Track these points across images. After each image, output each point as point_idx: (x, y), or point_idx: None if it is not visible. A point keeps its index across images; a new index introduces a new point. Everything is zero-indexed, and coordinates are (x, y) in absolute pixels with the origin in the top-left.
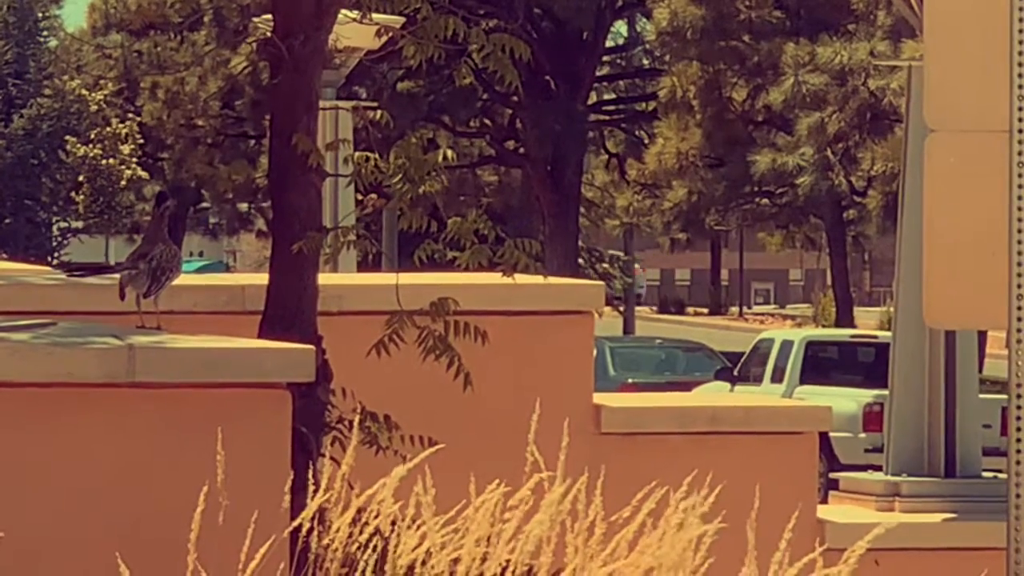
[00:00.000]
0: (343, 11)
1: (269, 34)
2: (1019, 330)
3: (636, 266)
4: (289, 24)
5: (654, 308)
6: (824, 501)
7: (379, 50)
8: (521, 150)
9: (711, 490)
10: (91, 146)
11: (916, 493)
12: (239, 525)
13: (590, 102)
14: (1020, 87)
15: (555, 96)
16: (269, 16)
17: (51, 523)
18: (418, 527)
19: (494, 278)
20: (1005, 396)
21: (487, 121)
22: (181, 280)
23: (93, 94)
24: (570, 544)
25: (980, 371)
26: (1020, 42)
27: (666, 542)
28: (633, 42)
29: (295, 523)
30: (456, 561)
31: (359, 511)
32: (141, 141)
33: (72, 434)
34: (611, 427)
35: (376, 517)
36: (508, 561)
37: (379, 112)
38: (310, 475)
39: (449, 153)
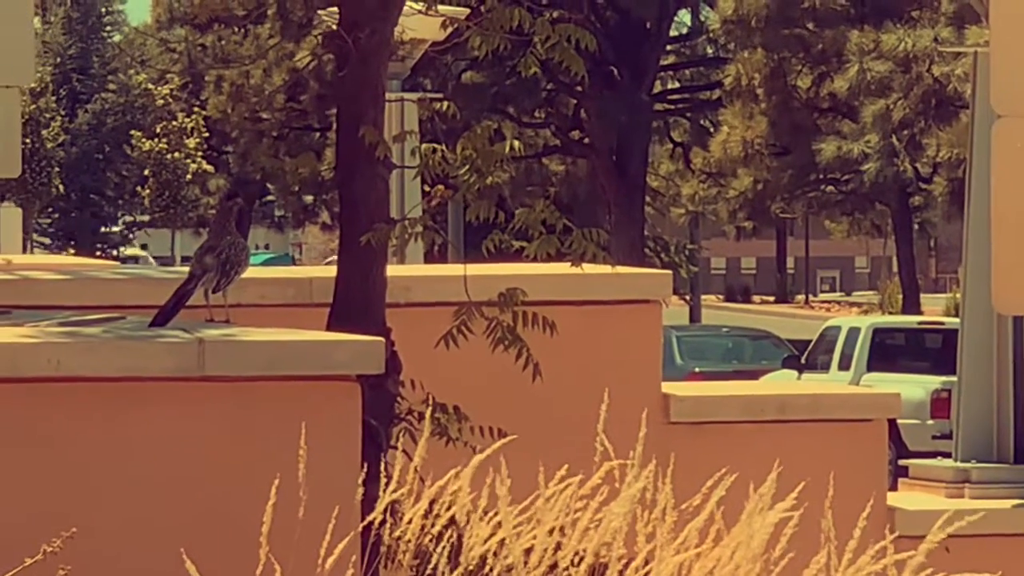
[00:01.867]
0: (408, 3)
1: (335, 26)
2: None
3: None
4: (355, 16)
5: (720, 296)
6: (893, 488)
7: (444, 41)
8: (586, 140)
9: (781, 478)
10: (156, 140)
11: (986, 479)
12: (310, 518)
13: (655, 91)
14: None
15: (619, 86)
16: (334, 9)
17: (123, 518)
18: (490, 518)
19: (562, 268)
20: None
21: (552, 111)
22: (248, 273)
23: (158, 88)
24: (640, 533)
25: None
26: None
27: (743, 530)
28: (697, 31)
29: (370, 517)
30: (529, 551)
31: (431, 502)
32: (206, 135)
33: (143, 428)
34: (679, 416)
35: (448, 508)
36: (582, 550)
37: (445, 103)
38: (381, 467)
39: (516, 144)
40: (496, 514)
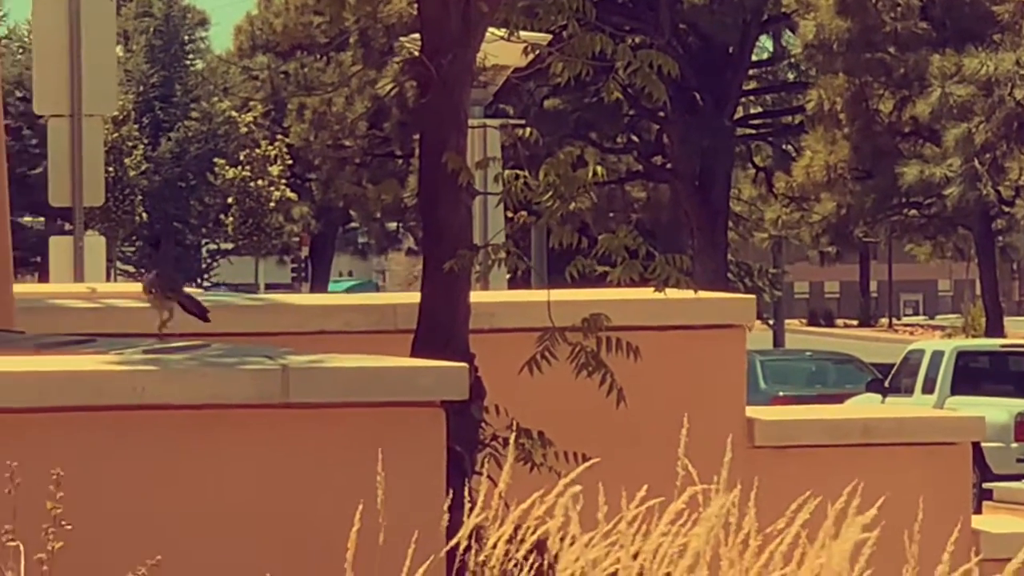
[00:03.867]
0: (490, 29)
1: (416, 53)
2: None
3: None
4: (437, 43)
5: (804, 321)
6: (978, 511)
7: (526, 67)
8: (668, 165)
9: (865, 502)
10: (240, 168)
11: None
12: (394, 544)
13: (736, 116)
14: None
15: (702, 111)
16: (416, 35)
17: (208, 545)
18: (573, 542)
19: (645, 293)
20: None
21: (634, 137)
22: (333, 300)
23: (241, 116)
24: (724, 557)
25: None
26: None
27: (824, 552)
28: (779, 56)
29: (453, 541)
30: None
31: (515, 527)
32: (289, 162)
33: (227, 455)
34: (764, 440)
35: (533, 533)
36: (666, 575)
37: (528, 129)
38: (465, 493)
39: (599, 170)
40: (581, 539)
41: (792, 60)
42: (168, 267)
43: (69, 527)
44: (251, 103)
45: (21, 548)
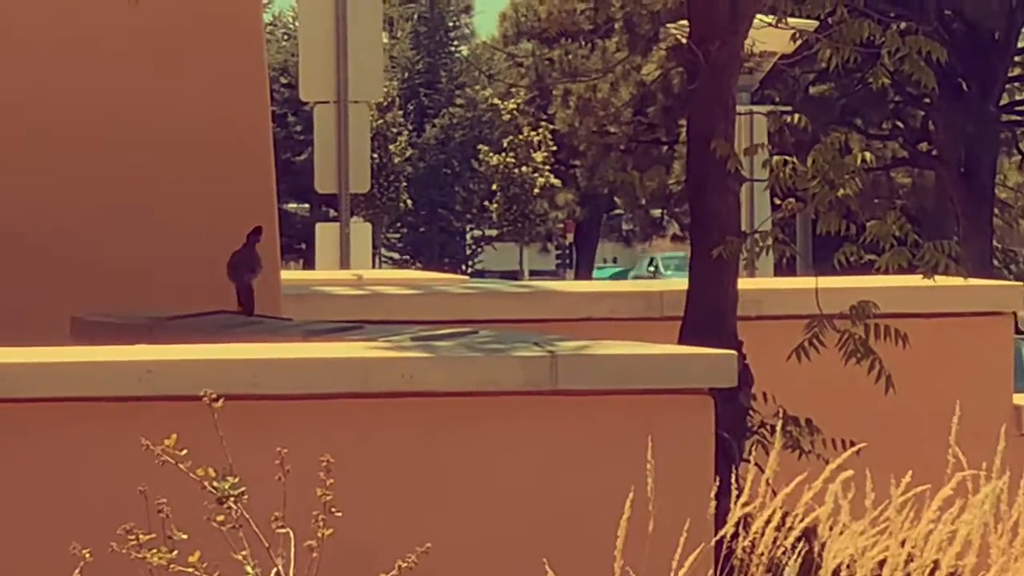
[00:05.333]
0: (758, 16)
1: (683, 40)
2: None
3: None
4: (705, 29)
5: None
6: None
7: (793, 54)
8: (934, 152)
9: None
10: (504, 154)
11: None
12: (663, 531)
13: (1002, 103)
14: None
15: (967, 97)
16: (683, 22)
17: (477, 532)
18: (842, 530)
19: (912, 280)
20: None
21: (899, 123)
22: (598, 287)
23: (505, 103)
24: (994, 546)
25: None
26: None
27: None
28: None
29: (724, 531)
30: (882, 564)
31: (783, 515)
32: (554, 148)
33: (494, 443)
34: None
35: (801, 520)
36: (935, 562)
37: (796, 116)
38: (733, 480)
39: (868, 156)
40: (851, 527)
41: None
42: (248, 253)
43: (339, 514)
44: (515, 89)
45: (291, 535)
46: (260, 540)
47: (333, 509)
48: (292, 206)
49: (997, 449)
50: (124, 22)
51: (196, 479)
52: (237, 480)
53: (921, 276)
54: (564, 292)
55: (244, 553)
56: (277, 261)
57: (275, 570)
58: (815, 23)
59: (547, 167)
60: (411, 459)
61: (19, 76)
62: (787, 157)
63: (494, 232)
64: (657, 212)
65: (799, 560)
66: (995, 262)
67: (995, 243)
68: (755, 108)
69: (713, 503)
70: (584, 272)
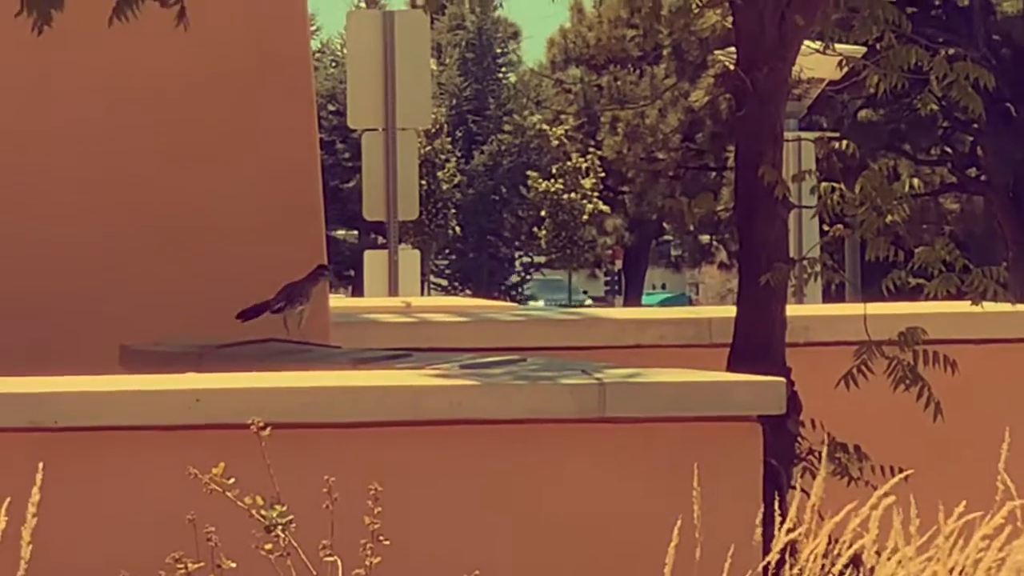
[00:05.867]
0: (805, 42)
1: (731, 66)
2: None
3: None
4: (752, 56)
5: None
6: None
7: (841, 80)
8: (982, 177)
9: None
10: (552, 181)
11: None
12: (711, 558)
13: None
14: None
15: (1016, 122)
16: (731, 49)
17: (525, 559)
18: (890, 556)
19: (961, 306)
20: None
21: (947, 149)
22: (647, 314)
23: (553, 129)
24: None
25: None
26: None
27: None
28: None
29: (769, 557)
30: None
31: (831, 542)
32: (602, 175)
33: (544, 470)
34: None
35: (849, 547)
36: None
37: (844, 142)
38: (780, 507)
39: (916, 182)
40: (899, 553)
41: None
42: (297, 289)
43: (387, 542)
44: (563, 116)
45: (339, 563)
46: (308, 569)
47: (381, 537)
48: (341, 233)
49: None
50: (172, 51)
51: (244, 507)
52: (285, 508)
53: (970, 303)
54: (612, 319)
55: None
56: (327, 289)
57: None
58: (863, 49)
59: (596, 193)
60: (460, 487)
61: (72, 110)
62: (835, 183)
63: (543, 259)
64: (706, 238)
65: None
66: None
67: None
68: (803, 134)
69: (760, 530)
70: (633, 298)
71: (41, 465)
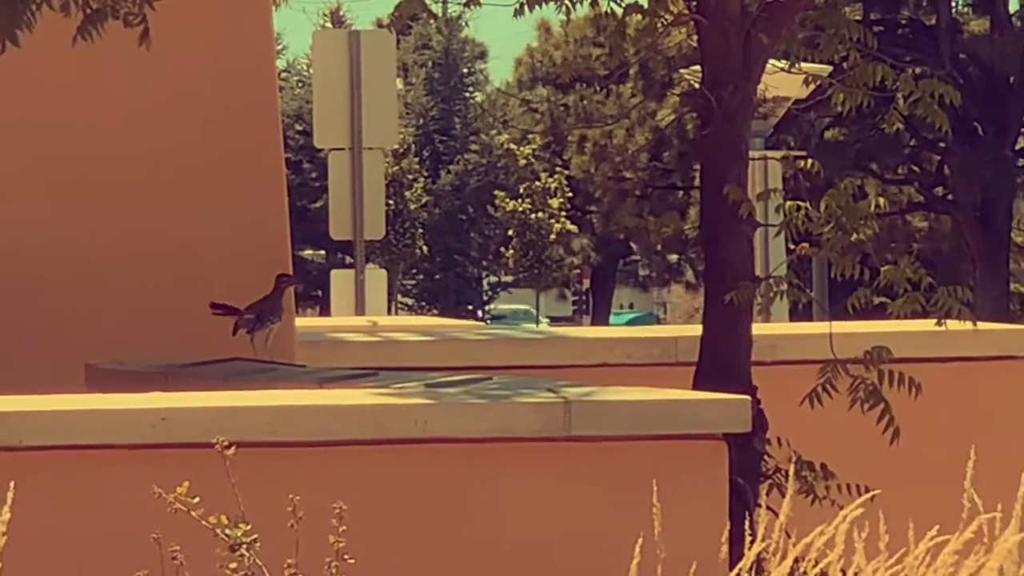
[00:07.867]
0: (771, 61)
1: (697, 85)
2: None
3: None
4: (717, 75)
5: None
6: None
7: (807, 99)
8: (949, 196)
9: None
10: (520, 200)
11: None
12: None
13: (1018, 147)
14: None
15: (982, 142)
16: (696, 68)
17: None
18: (855, 572)
19: (926, 325)
20: None
21: (914, 167)
22: (613, 333)
23: (520, 148)
24: None
25: None
26: None
27: None
28: None
29: (733, 573)
30: None
31: (796, 560)
32: (569, 194)
33: (509, 488)
34: None
35: (815, 566)
36: None
37: (809, 160)
38: (747, 526)
39: (882, 201)
40: (864, 568)
41: None
42: (268, 307)
43: (352, 561)
44: (530, 135)
45: None
46: None
47: (346, 556)
48: (308, 253)
49: (1008, 494)
50: (137, 72)
51: (209, 526)
52: (250, 527)
53: (935, 322)
54: (578, 338)
55: None
56: (292, 308)
57: None
58: (828, 68)
59: (563, 213)
60: (425, 505)
61: (39, 129)
62: (801, 202)
63: (510, 278)
64: (673, 257)
65: None
66: (1012, 307)
67: (1012, 288)
68: (769, 153)
69: (726, 548)
70: (601, 318)
71: (12, 484)
